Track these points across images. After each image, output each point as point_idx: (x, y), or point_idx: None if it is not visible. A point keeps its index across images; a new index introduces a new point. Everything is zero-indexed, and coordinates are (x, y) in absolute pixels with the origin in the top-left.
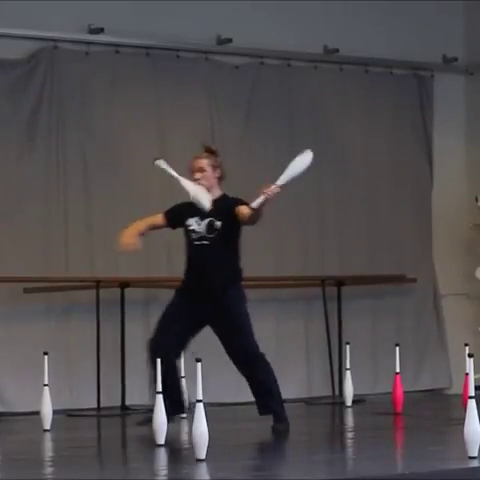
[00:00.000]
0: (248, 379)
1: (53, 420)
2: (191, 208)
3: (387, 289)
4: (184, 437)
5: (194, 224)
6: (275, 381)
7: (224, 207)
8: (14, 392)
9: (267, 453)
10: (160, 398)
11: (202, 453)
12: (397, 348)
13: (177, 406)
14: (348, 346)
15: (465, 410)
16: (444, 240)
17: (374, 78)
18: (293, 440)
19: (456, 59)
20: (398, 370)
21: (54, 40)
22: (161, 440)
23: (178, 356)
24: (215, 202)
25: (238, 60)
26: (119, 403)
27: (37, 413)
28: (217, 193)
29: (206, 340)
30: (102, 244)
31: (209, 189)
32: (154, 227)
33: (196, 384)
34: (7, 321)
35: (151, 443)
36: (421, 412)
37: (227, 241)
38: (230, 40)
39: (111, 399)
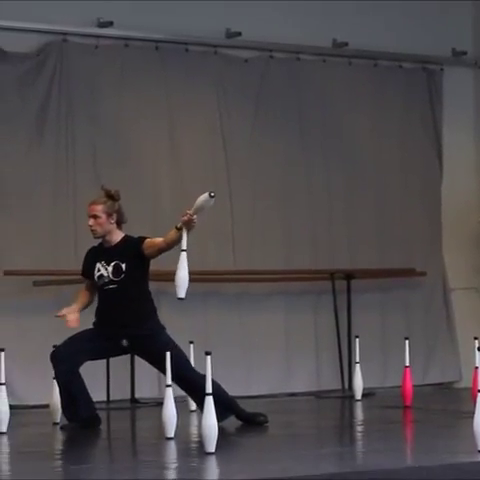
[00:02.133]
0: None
1: (62, 414)
2: (97, 253)
3: (396, 283)
4: (194, 430)
5: (101, 269)
6: (216, 384)
7: (128, 248)
8: (24, 385)
9: (276, 446)
10: (170, 391)
11: (212, 446)
12: (406, 342)
13: (82, 412)
14: (357, 340)
15: (474, 404)
16: (453, 234)
17: (383, 72)
18: (302, 433)
19: (465, 53)
20: (407, 364)
21: (63, 34)
22: (171, 433)
23: (79, 363)
24: (117, 245)
25: (247, 54)
26: (129, 396)
27: (47, 406)
28: (118, 237)
29: (215, 334)
30: None
31: (105, 235)
32: (91, 290)
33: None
34: (17, 314)
35: (161, 436)
36: (430, 406)
37: (135, 281)
38: (239, 34)
39: (121, 392)
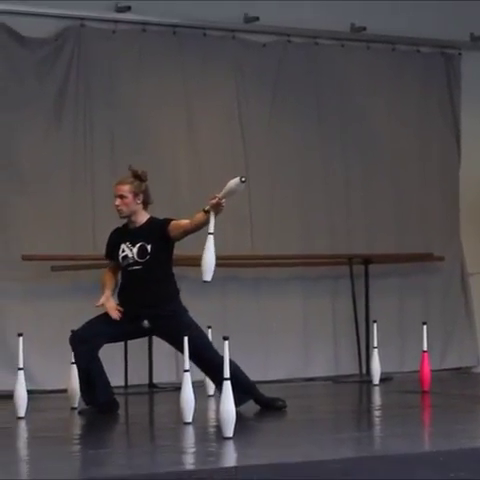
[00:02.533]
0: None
1: (81, 398)
2: (121, 234)
3: (414, 267)
4: (211, 415)
5: (126, 250)
6: (237, 368)
7: (153, 230)
8: (42, 370)
9: (294, 431)
10: (187, 376)
11: (229, 431)
12: (424, 326)
13: (99, 396)
14: (375, 324)
15: None
16: (471, 219)
17: (401, 56)
18: (320, 418)
19: None
20: (425, 348)
21: (81, 18)
22: (188, 418)
23: (98, 346)
24: (143, 227)
25: (265, 38)
26: (146, 381)
27: (64, 391)
28: (143, 218)
29: (233, 318)
30: None
31: (131, 215)
32: (114, 271)
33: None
34: (35, 299)
35: (178, 421)
36: (448, 390)
37: (160, 263)
38: (257, 18)
39: (138, 377)
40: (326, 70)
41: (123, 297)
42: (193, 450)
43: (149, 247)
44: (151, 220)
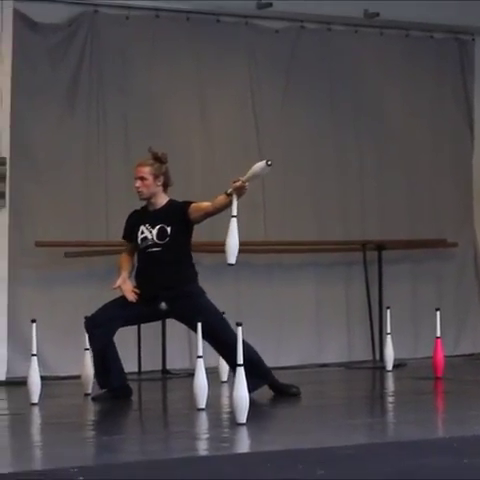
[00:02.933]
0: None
1: (94, 384)
2: (140, 216)
3: (428, 253)
4: (225, 401)
5: (145, 231)
6: (254, 352)
7: (173, 212)
8: (55, 356)
9: (307, 417)
10: (201, 362)
11: (243, 417)
12: (438, 312)
13: (113, 380)
14: (389, 310)
15: None
16: None
17: (414, 42)
18: (333, 404)
19: None
20: (439, 334)
21: (95, 4)
22: (202, 404)
23: (113, 330)
24: (163, 209)
25: (278, 24)
26: (160, 367)
27: (78, 377)
28: (163, 200)
29: (247, 304)
30: None
31: (151, 197)
32: (132, 254)
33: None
34: (48, 285)
35: (192, 407)
36: (462, 376)
37: (179, 245)
38: (270, 4)
39: (152, 363)
40: (339, 56)
41: (141, 279)
42: (206, 436)
43: (169, 229)
44: (171, 202)
